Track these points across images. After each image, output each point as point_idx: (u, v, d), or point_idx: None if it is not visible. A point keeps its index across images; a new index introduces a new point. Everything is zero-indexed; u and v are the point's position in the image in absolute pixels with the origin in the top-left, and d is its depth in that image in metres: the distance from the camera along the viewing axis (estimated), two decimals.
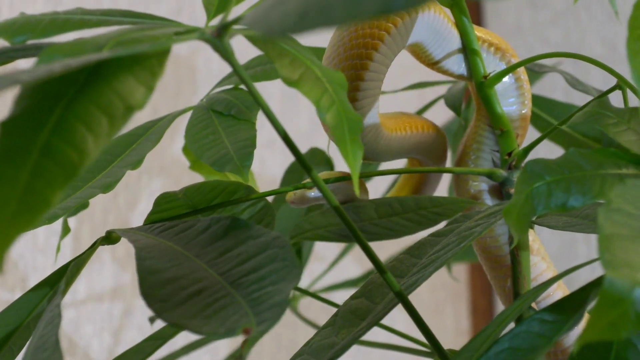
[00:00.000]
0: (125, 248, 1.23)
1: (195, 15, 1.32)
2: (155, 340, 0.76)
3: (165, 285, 0.44)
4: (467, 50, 0.68)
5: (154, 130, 0.73)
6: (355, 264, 1.46)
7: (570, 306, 0.50)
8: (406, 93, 1.06)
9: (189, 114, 0.77)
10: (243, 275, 0.44)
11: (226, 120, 0.73)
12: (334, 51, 0.66)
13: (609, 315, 0.33)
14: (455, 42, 0.68)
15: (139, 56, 0.39)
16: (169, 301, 0.43)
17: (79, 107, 0.37)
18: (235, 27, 0.47)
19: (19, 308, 0.56)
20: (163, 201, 0.63)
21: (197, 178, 0.88)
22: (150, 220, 0.63)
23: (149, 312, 0.71)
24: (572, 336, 0.69)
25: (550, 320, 0.49)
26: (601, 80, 1.47)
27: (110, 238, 0.58)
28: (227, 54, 0.46)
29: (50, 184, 0.36)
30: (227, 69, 0.90)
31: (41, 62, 0.39)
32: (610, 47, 1.60)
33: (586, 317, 0.67)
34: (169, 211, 0.64)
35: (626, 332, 0.33)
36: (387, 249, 1.26)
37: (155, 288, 0.44)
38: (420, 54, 0.68)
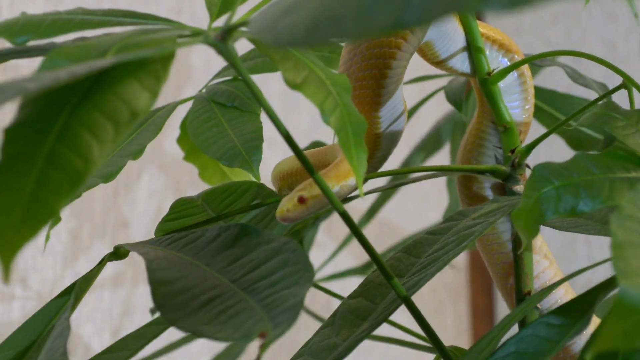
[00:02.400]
0: None
1: (196, 15, 1.31)
2: (158, 326, 0.75)
3: (178, 295, 0.44)
4: (472, 48, 0.68)
5: (153, 120, 0.73)
6: (353, 257, 1.46)
7: (577, 309, 0.50)
8: (406, 88, 1.05)
9: (186, 107, 0.77)
10: (255, 281, 0.44)
11: (229, 112, 0.72)
12: (349, 58, 0.66)
13: (623, 324, 0.33)
14: (461, 39, 0.68)
15: (144, 61, 0.39)
16: (183, 310, 0.43)
17: (83, 113, 0.37)
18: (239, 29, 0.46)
19: (29, 329, 0.55)
20: (179, 204, 0.63)
21: (198, 178, 0.87)
22: (165, 228, 0.63)
23: (149, 312, 0.71)
24: (577, 338, 0.69)
25: (556, 323, 0.49)
26: (602, 80, 1.47)
27: (118, 253, 0.58)
28: (231, 58, 0.46)
29: (56, 192, 0.35)
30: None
31: (45, 67, 0.39)
32: (610, 47, 1.60)
33: (594, 320, 0.66)
34: (185, 211, 0.63)
35: None
36: (386, 246, 1.26)
37: (168, 298, 0.44)
38: (426, 51, 0.68)
